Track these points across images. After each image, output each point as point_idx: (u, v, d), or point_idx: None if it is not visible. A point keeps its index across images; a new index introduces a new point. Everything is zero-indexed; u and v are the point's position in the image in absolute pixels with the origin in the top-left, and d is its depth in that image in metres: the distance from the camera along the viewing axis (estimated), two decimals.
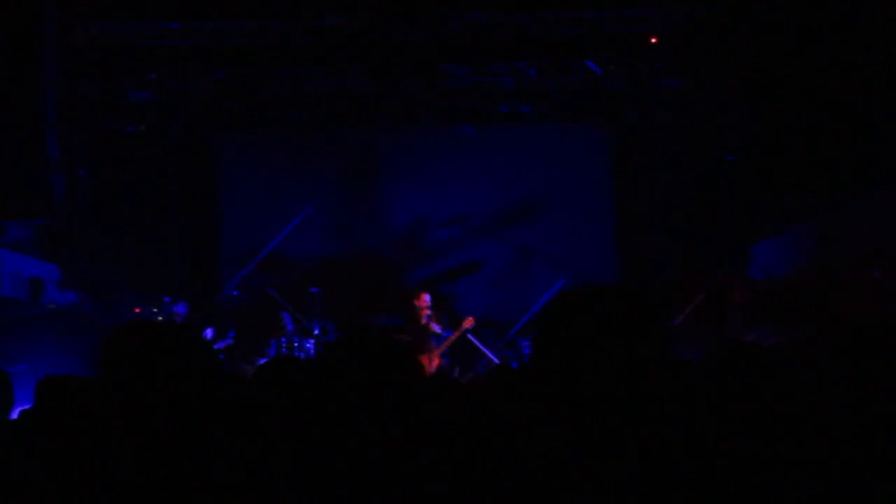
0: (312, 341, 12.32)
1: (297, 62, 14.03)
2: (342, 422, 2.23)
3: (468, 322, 11.92)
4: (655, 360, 1.91)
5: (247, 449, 2.36)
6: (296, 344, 12.16)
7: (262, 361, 11.30)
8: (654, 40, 13.52)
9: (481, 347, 12.72)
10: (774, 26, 12.43)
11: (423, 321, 11.74)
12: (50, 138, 13.11)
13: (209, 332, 12.37)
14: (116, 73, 13.65)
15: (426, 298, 11.92)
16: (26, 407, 4.32)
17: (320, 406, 2.27)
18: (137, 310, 12.44)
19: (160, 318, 12.00)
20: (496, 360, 12.49)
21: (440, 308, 12.16)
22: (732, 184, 13.78)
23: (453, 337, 11.81)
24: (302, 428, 2.34)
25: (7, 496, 2.45)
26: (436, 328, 11.77)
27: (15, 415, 4.48)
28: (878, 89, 10.72)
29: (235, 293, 13.77)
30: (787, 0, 12.10)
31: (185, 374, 2.42)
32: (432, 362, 11.47)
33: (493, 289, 14.61)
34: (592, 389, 1.86)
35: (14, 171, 12.68)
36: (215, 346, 12.04)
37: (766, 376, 2.75)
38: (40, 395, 4.11)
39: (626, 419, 1.86)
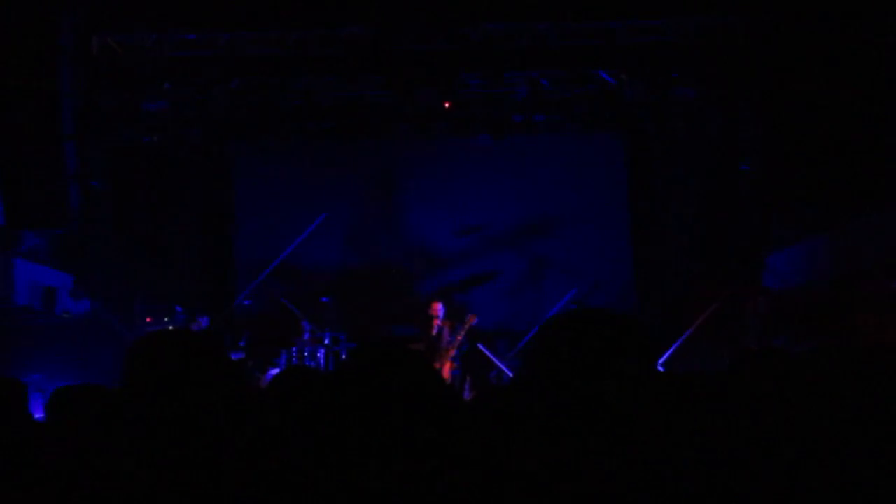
0: (323, 350, 12.31)
1: (313, 72, 14.04)
2: (360, 433, 2.21)
3: (471, 318, 11.86)
4: (640, 381, 1.91)
5: (266, 459, 2.35)
6: (307, 353, 12.15)
7: (274, 371, 11.36)
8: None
9: (493, 358, 12.69)
10: (790, 37, 12.38)
11: (435, 331, 11.72)
12: (67, 149, 13.16)
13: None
14: (133, 84, 13.68)
15: (439, 308, 11.90)
16: (39, 417, 4.31)
17: (338, 416, 2.26)
18: (149, 319, 12.47)
19: (171, 328, 12.01)
20: (507, 371, 12.45)
21: (453, 318, 12.13)
22: (749, 194, 13.73)
23: (460, 336, 11.75)
24: (320, 438, 2.33)
25: None
26: (448, 338, 11.74)
27: None
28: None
29: (248, 302, 13.78)
30: (803, 10, 12.05)
31: (208, 385, 2.41)
32: (444, 369, 11.45)
33: (507, 299, 14.58)
34: (578, 409, 1.87)
35: (31, 181, 12.75)
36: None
37: (798, 383, 2.73)
38: (51, 406, 4.09)
39: (609, 438, 1.86)
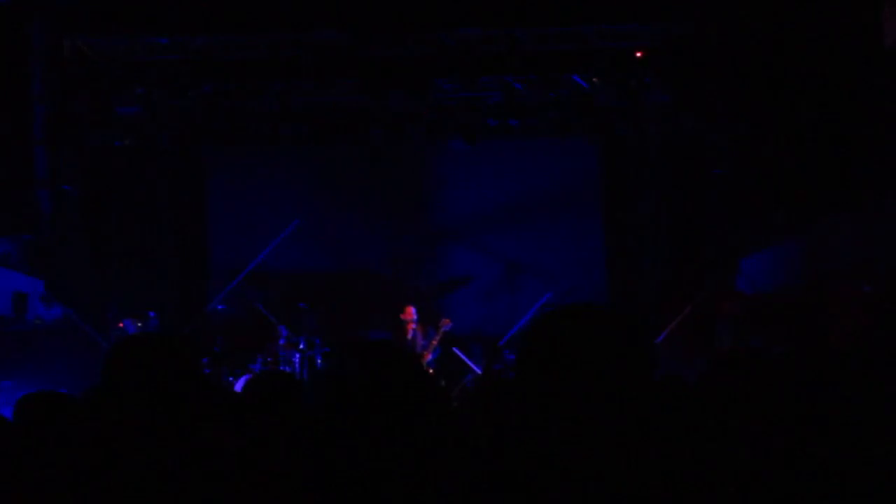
0: (298, 355, 12.25)
1: (287, 76, 14.00)
2: (345, 432, 2.19)
3: (445, 323, 11.83)
4: (640, 380, 1.89)
5: (243, 462, 2.33)
6: (282, 357, 12.10)
7: (247, 376, 11.29)
8: (639, 55, 13.56)
9: (467, 361, 12.69)
10: (761, 43, 12.47)
11: (410, 335, 11.71)
12: (38, 153, 13.04)
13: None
14: (105, 88, 13.60)
15: (412, 312, 11.90)
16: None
17: (323, 416, 2.24)
18: (121, 325, 12.37)
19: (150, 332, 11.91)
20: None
21: (427, 322, 12.12)
22: (721, 198, 13.80)
23: (435, 340, 11.73)
24: (303, 438, 2.32)
25: None
26: (422, 342, 11.73)
27: None
28: (864, 105, 10.76)
29: (222, 307, 13.70)
30: (774, 17, 12.14)
31: (185, 389, 2.40)
32: None
33: (482, 303, 14.59)
34: (576, 407, 1.85)
35: (0, 186, 12.61)
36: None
37: (776, 385, 2.74)
38: (18, 413, 4.05)
39: (607, 437, 1.84)
